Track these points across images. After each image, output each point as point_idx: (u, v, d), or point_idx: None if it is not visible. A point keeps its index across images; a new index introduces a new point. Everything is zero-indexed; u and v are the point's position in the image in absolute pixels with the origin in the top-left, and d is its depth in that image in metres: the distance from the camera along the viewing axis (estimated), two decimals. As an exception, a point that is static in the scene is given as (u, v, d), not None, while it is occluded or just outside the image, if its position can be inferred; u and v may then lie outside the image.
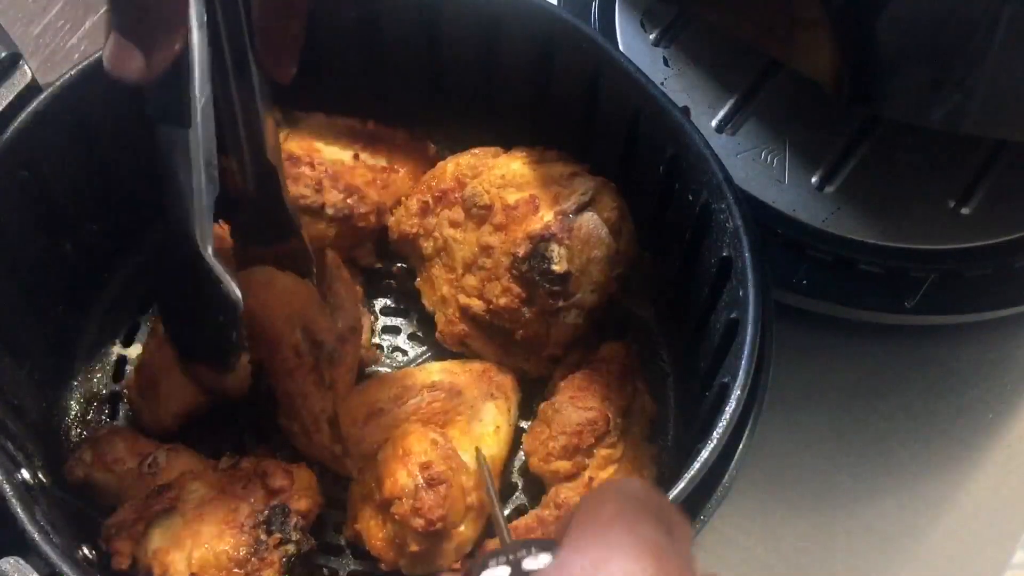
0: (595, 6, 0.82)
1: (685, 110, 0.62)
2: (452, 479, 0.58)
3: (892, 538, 0.70)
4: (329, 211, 0.66)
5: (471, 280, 0.65)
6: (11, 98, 0.59)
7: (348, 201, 0.67)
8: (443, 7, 0.67)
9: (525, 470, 0.65)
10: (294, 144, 0.69)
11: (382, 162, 0.71)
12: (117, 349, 0.69)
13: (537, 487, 0.64)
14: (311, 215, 0.66)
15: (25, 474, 0.55)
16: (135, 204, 0.70)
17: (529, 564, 0.34)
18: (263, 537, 0.58)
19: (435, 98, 0.73)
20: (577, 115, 0.68)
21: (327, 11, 0.68)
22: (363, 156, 0.70)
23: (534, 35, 0.66)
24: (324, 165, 0.68)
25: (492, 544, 0.60)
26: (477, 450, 0.61)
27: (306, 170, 0.66)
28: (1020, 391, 0.75)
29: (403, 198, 0.70)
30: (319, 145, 0.69)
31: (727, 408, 0.53)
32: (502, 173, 0.66)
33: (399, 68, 0.72)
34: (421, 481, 0.58)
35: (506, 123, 0.71)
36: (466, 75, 0.71)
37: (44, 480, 0.58)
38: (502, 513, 0.57)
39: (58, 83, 0.60)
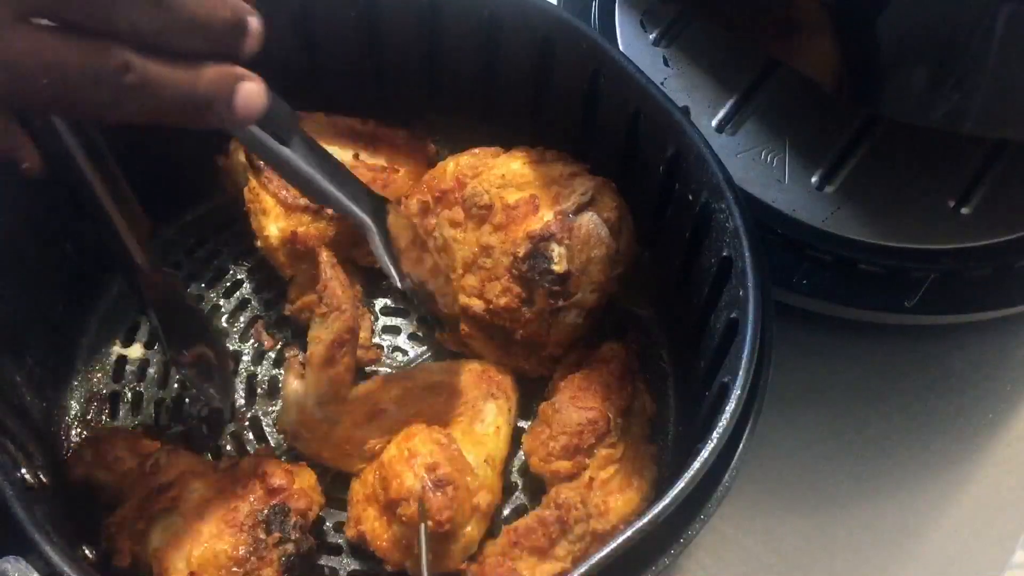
0: (595, 6, 0.82)
1: (685, 110, 0.62)
2: (459, 480, 0.58)
3: (892, 538, 0.69)
4: (329, 210, 0.66)
5: (471, 280, 0.65)
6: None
7: None
8: (443, 7, 0.67)
9: (525, 470, 0.65)
10: (294, 143, 0.69)
11: (382, 162, 0.71)
12: (117, 349, 0.70)
13: (537, 487, 0.64)
14: (311, 215, 0.66)
15: (25, 474, 0.55)
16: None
17: None
18: (262, 536, 0.58)
19: (435, 98, 0.73)
20: (577, 115, 0.68)
21: (327, 11, 0.68)
22: (363, 156, 0.70)
23: (534, 35, 0.66)
24: (325, 165, 0.68)
25: (492, 545, 0.60)
26: (420, 503, 0.59)
27: None
28: (1020, 391, 0.75)
29: (403, 198, 0.70)
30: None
31: (727, 408, 0.53)
32: (502, 173, 0.66)
33: (399, 68, 0.72)
34: (428, 483, 0.58)
35: (506, 123, 0.71)
36: (466, 75, 0.71)
37: (44, 480, 0.58)
38: (428, 557, 0.57)
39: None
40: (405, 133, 0.73)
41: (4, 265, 0.61)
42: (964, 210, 0.73)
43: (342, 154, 0.70)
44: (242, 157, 0.68)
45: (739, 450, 0.54)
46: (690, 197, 0.62)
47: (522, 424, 0.67)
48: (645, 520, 0.50)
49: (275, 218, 0.66)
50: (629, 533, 0.49)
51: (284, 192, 0.66)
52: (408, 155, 0.72)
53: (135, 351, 0.70)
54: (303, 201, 0.66)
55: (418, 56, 0.71)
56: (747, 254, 0.57)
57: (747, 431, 0.54)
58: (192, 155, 0.70)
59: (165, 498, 0.59)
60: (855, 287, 0.72)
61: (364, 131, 0.72)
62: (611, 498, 0.61)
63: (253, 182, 0.67)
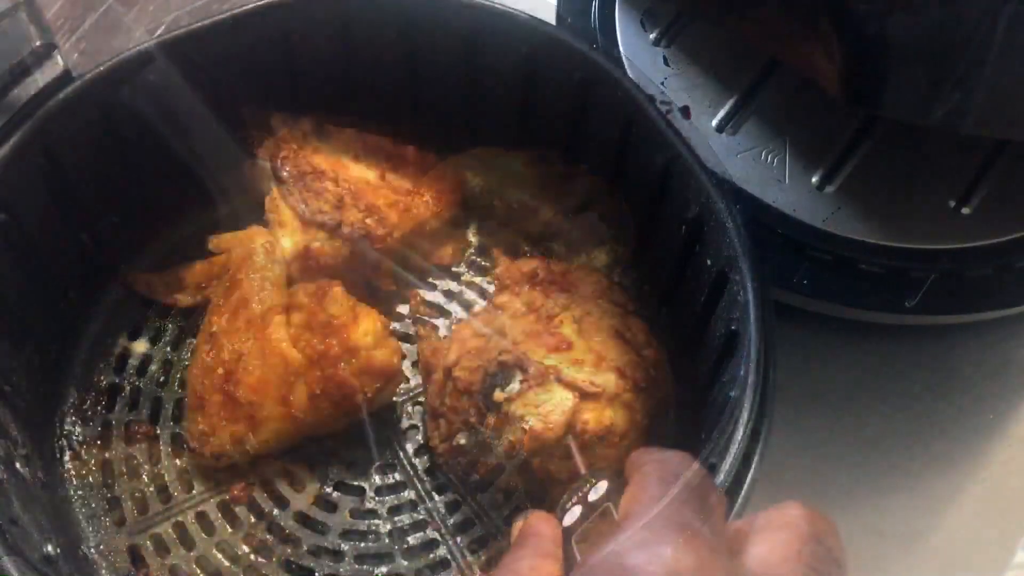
0: (595, 6, 0.81)
1: (685, 110, 0.62)
2: None
3: (892, 538, 0.69)
4: (345, 229, 0.65)
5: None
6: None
7: (367, 221, 0.65)
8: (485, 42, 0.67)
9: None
10: (320, 158, 0.68)
11: (407, 185, 0.69)
12: (123, 343, 0.69)
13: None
14: (328, 232, 0.65)
15: (23, 470, 0.55)
16: (155, 200, 0.70)
17: (592, 495, 0.45)
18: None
19: (473, 130, 0.73)
20: (572, 118, 0.68)
21: (367, 27, 0.67)
22: (389, 177, 0.69)
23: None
24: (348, 182, 0.67)
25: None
26: None
27: (329, 185, 0.66)
28: (1020, 391, 0.75)
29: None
30: (346, 161, 0.69)
31: (728, 410, 0.53)
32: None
33: (435, 85, 0.71)
34: None
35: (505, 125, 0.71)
36: (504, 107, 0.70)
37: (42, 477, 0.58)
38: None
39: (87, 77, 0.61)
40: (434, 158, 0.71)
41: (17, 247, 0.61)
42: (964, 210, 0.73)
43: (368, 172, 0.69)
44: (267, 165, 0.67)
45: (734, 452, 0.54)
46: (686, 203, 0.62)
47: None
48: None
49: (291, 232, 0.65)
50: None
51: (303, 206, 0.65)
52: (435, 181, 0.70)
53: (139, 346, 0.69)
54: (320, 217, 0.65)
55: (456, 86, 0.70)
56: (746, 256, 0.57)
57: (746, 434, 0.54)
58: (219, 159, 0.69)
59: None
60: (855, 287, 0.72)
61: (394, 152, 0.70)
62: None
63: (275, 192, 0.67)
